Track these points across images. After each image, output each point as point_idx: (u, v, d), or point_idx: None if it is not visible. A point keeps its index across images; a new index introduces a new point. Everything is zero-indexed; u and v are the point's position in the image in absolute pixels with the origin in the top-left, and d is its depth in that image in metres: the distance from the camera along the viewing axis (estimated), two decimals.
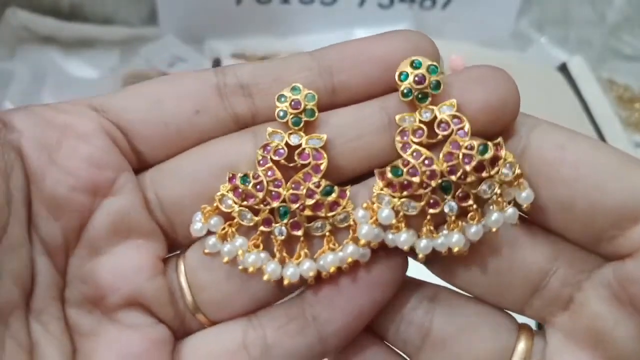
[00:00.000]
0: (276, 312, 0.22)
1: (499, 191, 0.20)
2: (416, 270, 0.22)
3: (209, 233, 0.22)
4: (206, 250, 0.21)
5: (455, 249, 0.20)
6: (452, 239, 0.20)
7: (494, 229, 0.20)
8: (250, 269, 0.21)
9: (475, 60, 0.57)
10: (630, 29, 0.70)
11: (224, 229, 0.21)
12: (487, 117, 0.20)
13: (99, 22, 0.65)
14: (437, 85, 0.20)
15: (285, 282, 0.21)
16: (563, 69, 0.59)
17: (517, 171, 0.19)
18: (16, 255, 0.19)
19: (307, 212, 0.21)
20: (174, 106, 0.22)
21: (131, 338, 0.21)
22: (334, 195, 0.21)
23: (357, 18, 0.66)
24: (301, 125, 0.21)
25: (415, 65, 0.20)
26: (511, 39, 0.69)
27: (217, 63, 0.56)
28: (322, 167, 0.21)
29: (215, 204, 0.21)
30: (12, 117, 0.20)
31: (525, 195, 0.20)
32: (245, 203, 0.21)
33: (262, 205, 0.21)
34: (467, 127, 0.19)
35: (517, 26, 0.70)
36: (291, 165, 0.21)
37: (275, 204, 0.21)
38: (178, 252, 0.23)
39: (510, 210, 0.20)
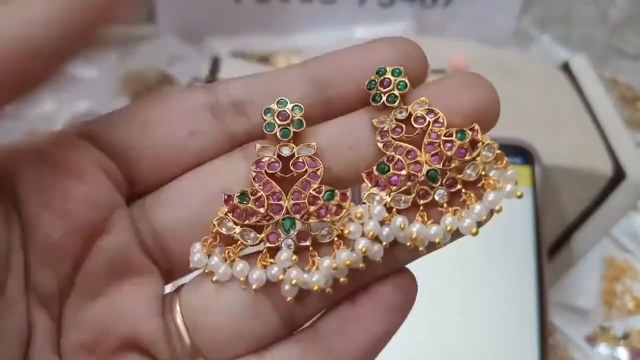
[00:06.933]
0: (289, 346, 0.21)
1: (484, 172, 0.20)
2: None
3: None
4: (207, 270, 0.20)
5: (448, 228, 0.20)
6: (446, 221, 0.20)
7: (496, 209, 0.20)
8: (254, 284, 0.20)
9: (477, 59, 0.57)
10: (633, 27, 0.69)
11: (225, 253, 0.20)
12: (472, 122, 0.20)
13: None
14: (404, 85, 0.20)
15: (315, 287, 0.20)
16: (565, 67, 0.59)
17: (497, 151, 0.20)
18: (15, 311, 0.18)
19: (312, 220, 0.20)
20: (167, 130, 0.21)
21: None
22: (336, 198, 0.20)
23: (358, 16, 0.65)
24: (290, 136, 0.20)
25: (380, 73, 0.20)
26: (513, 38, 0.69)
27: (215, 62, 0.56)
28: (319, 172, 0.20)
29: (215, 229, 0.20)
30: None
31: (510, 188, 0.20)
32: (247, 222, 0.20)
33: (264, 221, 0.20)
34: (441, 117, 0.20)
35: (519, 24, 0.69)
36: (287, 176, 0.21)
37: (278, 218, 0.20)
38: (174, 290, 0.22)
39: (509, 186, 0.20)
